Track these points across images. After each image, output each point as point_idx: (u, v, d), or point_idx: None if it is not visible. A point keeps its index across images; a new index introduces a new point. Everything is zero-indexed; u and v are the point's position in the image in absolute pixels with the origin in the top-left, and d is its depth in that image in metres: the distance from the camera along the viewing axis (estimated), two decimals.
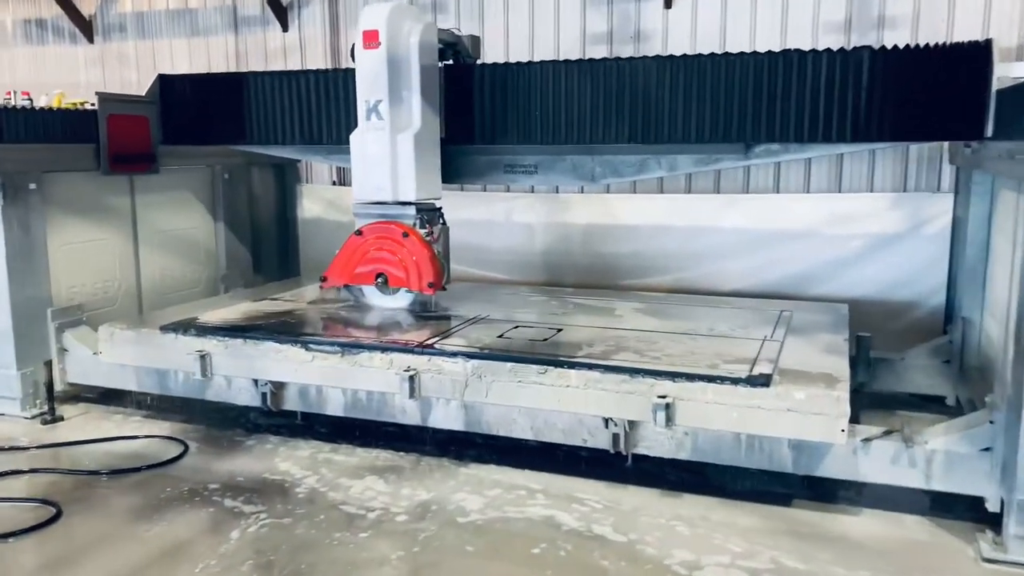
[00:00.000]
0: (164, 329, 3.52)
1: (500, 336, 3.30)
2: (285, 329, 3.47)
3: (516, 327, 3.46)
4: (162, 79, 4.33)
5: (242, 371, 3.39)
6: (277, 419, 3.60)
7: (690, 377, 2.73)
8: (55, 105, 5.03)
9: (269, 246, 5.46)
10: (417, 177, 3.68)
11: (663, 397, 2.68)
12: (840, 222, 4.37)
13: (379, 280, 3.77)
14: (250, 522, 2.71)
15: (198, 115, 4.29)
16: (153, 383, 3.68)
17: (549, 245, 4.98)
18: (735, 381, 2.68)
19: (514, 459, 3.15)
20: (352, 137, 3.74)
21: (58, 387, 3.85)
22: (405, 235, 3.71)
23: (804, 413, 2.57)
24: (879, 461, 2.66)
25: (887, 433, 2.67)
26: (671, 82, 3.32)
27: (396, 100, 3.60)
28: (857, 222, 4.34)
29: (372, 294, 3.90)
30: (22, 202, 3.74)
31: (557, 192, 5.01)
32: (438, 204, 3.88)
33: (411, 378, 3.03)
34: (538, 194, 5.04)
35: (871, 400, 3.63)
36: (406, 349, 3.15)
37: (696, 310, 3.83)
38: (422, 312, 3.78)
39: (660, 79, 3.34)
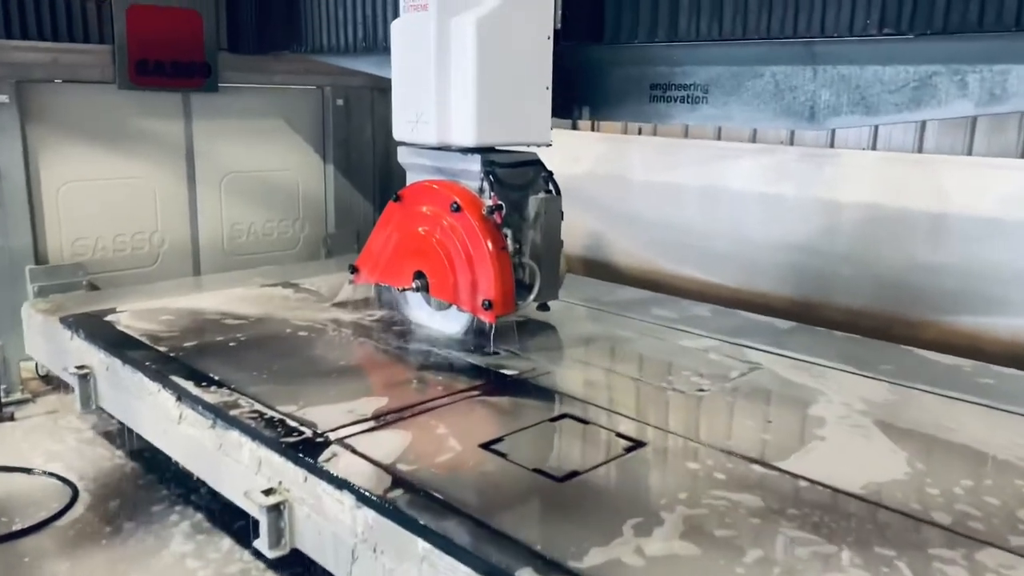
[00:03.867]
0: (64, 322, 2.28)
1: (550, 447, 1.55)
2: (193, 357, 2.03)
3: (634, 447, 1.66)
4: None
5: (119, 411, 2.04)
6: None
7: None
8: None
9: None
10: (482, 103, 1.99)
11: None
12: None
13: (417, 283, 2.18)
14: None
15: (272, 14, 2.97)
16: None
17: (792, 236, 2.95)
18: None
19: None
20: (393, 28, 2.15)
21: (29, 372, 2.83)
22: (455, 206, 2.06)
23: None
24: None
25: None
26: None
27: None
28: None
29: (417, 305, 2.31)
30: None
31: (790, 138, 2.95)
32: (536, 152, 2.16)
33: (272, 508, 1.46)
34: (772, 146, 3.02)
35: None
36: (279, 445, 1.56)
37: None
38: (476, 347, 2.12)
39: None
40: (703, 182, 3.17)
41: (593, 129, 3.56)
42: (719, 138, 3.22)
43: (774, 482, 1.45)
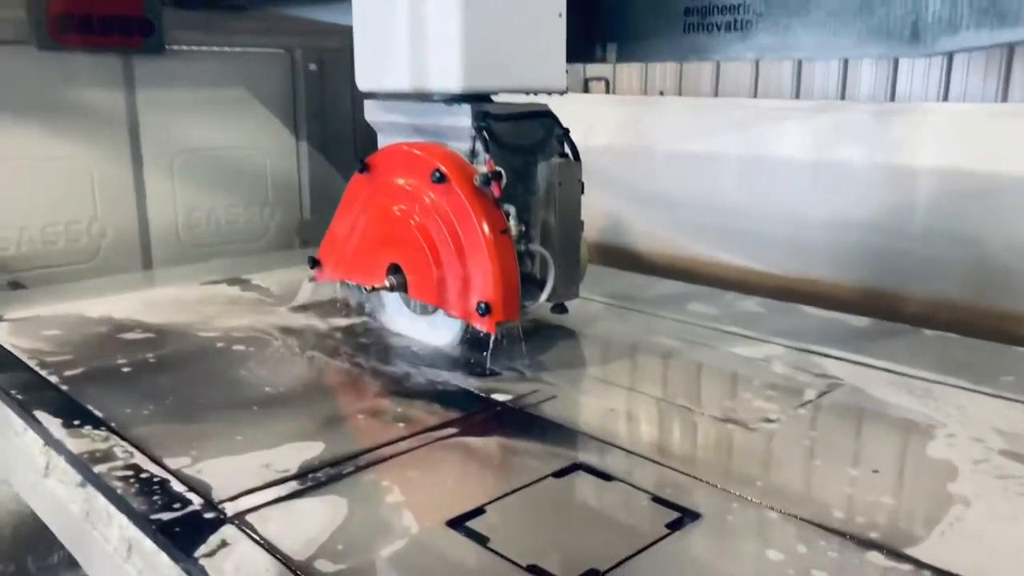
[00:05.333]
0: None
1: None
2: (78, 383, 1.51)
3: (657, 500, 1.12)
4: None
5: None
6: None
7: None
8: None
9: None
10: (470, 34, 1.46)
11: None
12: None
13: (391, 281, 1.65)
14: None
15: None
16: None
17: (854, 212, 2.39)
18: None
19: None
20: None
21: None
22: (438, 176, 1.53)
23: None
24: None
25: None
26: None
27: None
28: None
29: (394, 309, 1.79)
30: None
31: (840, 90, 2.38)
32: (545, 101, 1.64)
33: None
34: (822, 103, 2.46)
35: None
36: (150, 524, 1.03)
37: None
38: (470, 364, 1.60)
39: None
40: (740, 150, 2.62)
41: (608, 91, 3.02)
42: (755, 94, 2.68)
43: None
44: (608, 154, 2.92)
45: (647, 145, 2.85)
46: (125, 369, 1.56)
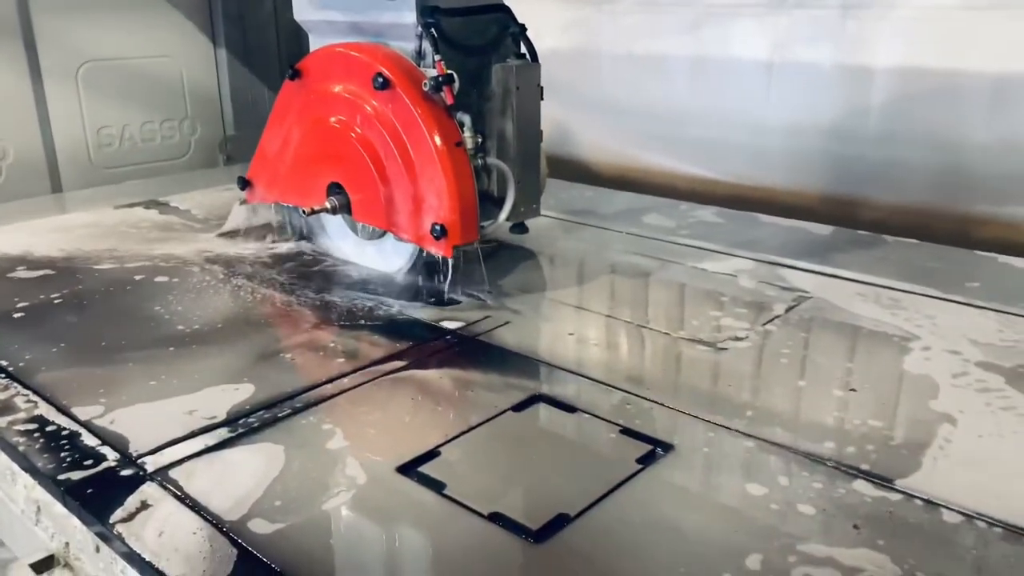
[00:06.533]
0: None
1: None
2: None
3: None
4: None
5: None
6: None
7: None
8: None
9: None
10: None
11: None
12: None
13: (332, 202, 1.50)
14: None
15: None
16: None
17: (808, 116, 2.29)
18: None
19: None
20: None
21: None
22: (381, 81, 1.36)
23: None
24: None
25: None
26: None
27: None
28: None
29: (338, 233, 1.64)
30: None
31: None
32: None
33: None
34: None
35: None
36: (58, 484, 0.90)
37: None
38: (426, 293, 1.47)
39: None
40: (691, 51, 2.48)
41: None
42: None
43: (904, 517, 0.85)
44: (554, 58, 2.74)
45: (594, 48, 2.69)
46: (24, 307, 1.39)
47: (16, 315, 1.37)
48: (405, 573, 0.80)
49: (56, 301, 1.43)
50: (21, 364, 1.20)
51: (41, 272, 1.57)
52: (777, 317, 1.37)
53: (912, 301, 1.43)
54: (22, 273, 1.56)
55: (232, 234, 1.81)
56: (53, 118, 2.59)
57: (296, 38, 3.14)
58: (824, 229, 1.91)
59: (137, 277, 1.56)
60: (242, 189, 1.74)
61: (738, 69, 2.40)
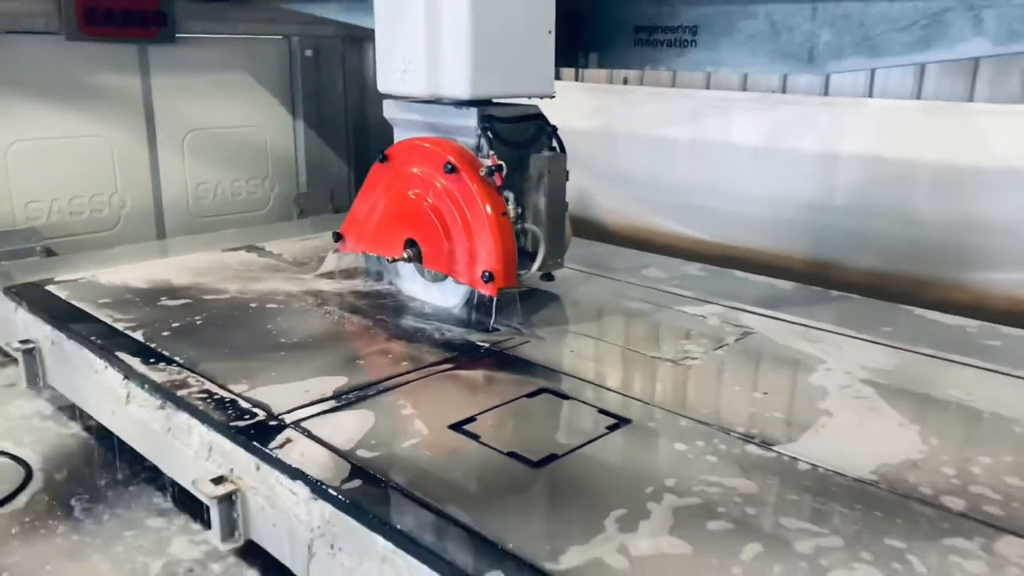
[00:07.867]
0: (7, 293, 2.11)
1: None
2: (144, 331, 1.87)
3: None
4: None
5: (68, 388, 1.91)
6: None
7: None
8: None
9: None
10: (478, 49, 1.80)
11: None
12: None
13: (408, 253, 2.01)
14: None
15: None
16: None
17: (789, 191, 2.79)
18: None
19: None
20: None
21: None
22: (450, 167, 1.88)
23: None
24: None
25: None
26: None
27: None
28: None
29: (410, 277, 2.15)
30: None
31: (781, 86, 2.78)
32: (538, 104, 1.99)
33: (223, 499, 1.34)
34: (764, 94, 2.85)
35: None
36: (228, 429, 1.42)
37: None
38: (476, 323, 1.97)
39: None
40: (692, 135, 3.00)
41: (576, 79, 3.37)
42: (708, 85, 3.05)
43: (771, 465, 1.32)
44: (580, 137, 3.28)
45: (613, 129, 3.22)
46: (176, 326, 1.92)
47: (173, 330, 1.90)
48: (452, 483, 1.29)
49: (198, 321, 1.96)
50: (185, 359, 1.71)
51: (181, 301, 2.10)
52: (725, 345, 1.85)
53: (831, 339, 1.90)
54: (167, 302, 2.09)
55: (327, 275, 2.32)
56: (163, 176, 3.17)
57: (360, 112, 3.72)
58: (786, 284, 2.38)
59: (253, 305, 2.08)
60: (336, 240, 2.25)
61: (731, 150, 2.91)
